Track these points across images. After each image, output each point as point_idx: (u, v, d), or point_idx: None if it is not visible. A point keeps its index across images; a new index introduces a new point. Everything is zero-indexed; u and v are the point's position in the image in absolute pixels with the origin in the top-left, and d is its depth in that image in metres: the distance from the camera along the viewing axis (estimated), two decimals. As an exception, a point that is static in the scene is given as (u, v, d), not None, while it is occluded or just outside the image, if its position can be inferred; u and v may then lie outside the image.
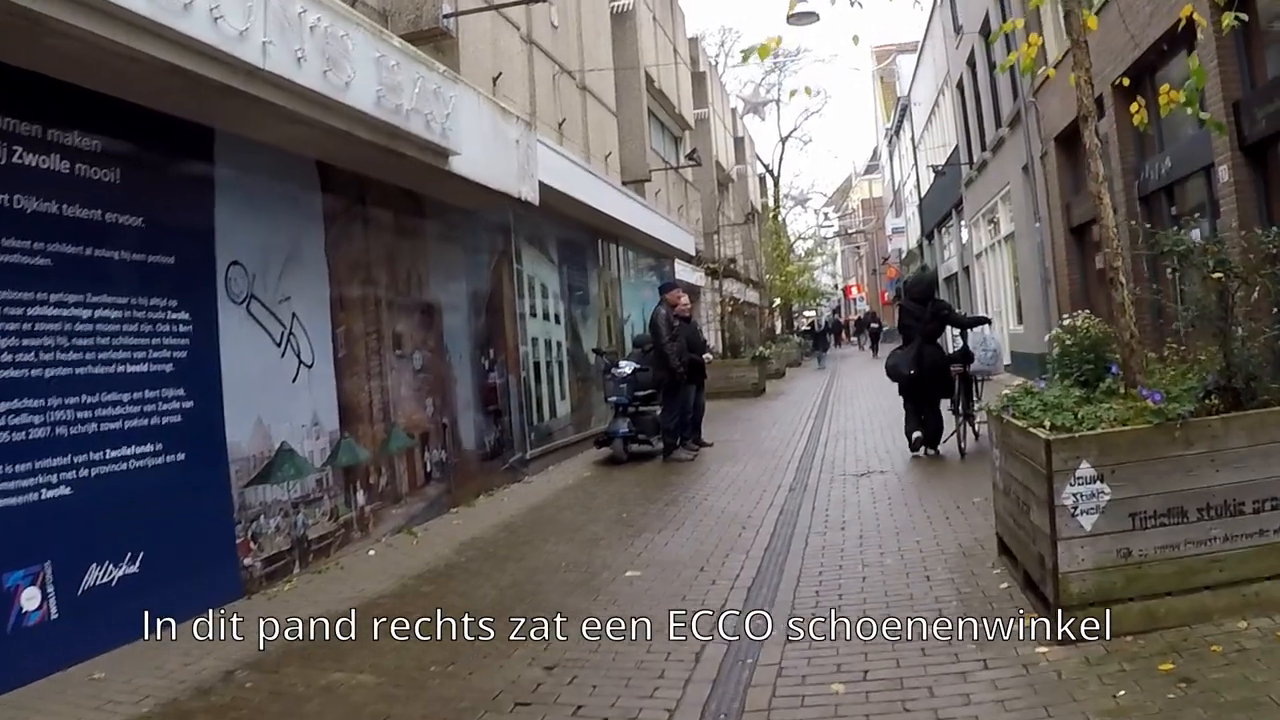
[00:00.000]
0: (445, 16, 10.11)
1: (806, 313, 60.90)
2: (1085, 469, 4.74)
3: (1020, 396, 5.87)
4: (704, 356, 13.88)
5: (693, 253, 24.32)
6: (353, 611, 6.33)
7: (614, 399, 13.37)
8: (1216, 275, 5.16)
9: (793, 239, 56.21)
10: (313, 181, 8.35)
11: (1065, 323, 6.59)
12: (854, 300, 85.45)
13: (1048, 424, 5.11)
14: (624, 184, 19.66)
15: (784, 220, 56.19)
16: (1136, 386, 5.19)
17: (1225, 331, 5.12)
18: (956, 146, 29.45)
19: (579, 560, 7.47)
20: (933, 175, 32.70)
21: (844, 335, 64.27)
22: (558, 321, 14.41)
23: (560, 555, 7.66)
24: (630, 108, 21.19)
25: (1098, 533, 4.73)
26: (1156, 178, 12.77)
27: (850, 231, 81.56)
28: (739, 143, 44.16)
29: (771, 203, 54.49)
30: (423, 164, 8.48)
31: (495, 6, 12.11)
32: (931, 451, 11.44)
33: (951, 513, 8.05)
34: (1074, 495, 4.73)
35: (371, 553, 8.28)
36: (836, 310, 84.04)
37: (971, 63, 25.34)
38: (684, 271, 25.74)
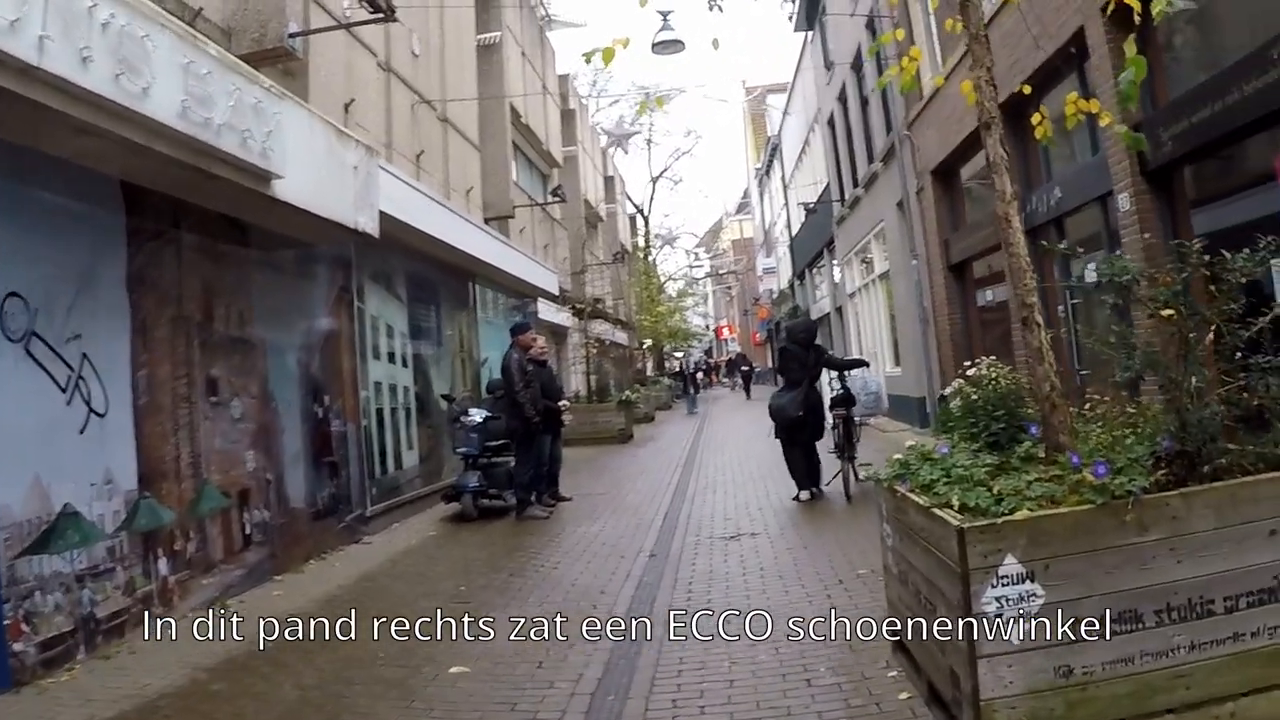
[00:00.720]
0: (291, 36, 9.45)
1: (677, 354, 61.10)
2: (1011, 565, 3.95)
3: (917, 462, 5.09)
4: (560, 404, 13.26)
5: (556, 292, 23.77)
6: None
7: (463, 450, 12.61)
8: (1168, 313, 4.47)
9: (663, 279, 56.40)
10: (115, 203, 7.49)
11: (970, 372, 5.86)
12: (725, 341, 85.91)
13: (956, 503, 4.32)
14: (487, 220, 19.24)
15: (654, 260, 56.35)
16: (1063, 451, 4.50)
17: (1179, 384, 4.40)
18: (828, 184, 29.53)
19: (400, 649, 6.64)
20: (804, 214, 32.80)
21: (714, 377, 64.44)
22: (405, 365, 13.58)
23: (381, 642, 6.79)
24: (495, 142, 20.74)
25: (1030, 647, 3.92)
26: (1045, 209, 12.46)
27: (721, 272, 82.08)
28: (609, 181, 43.88)
29: (642, 242, 54.45)
30: (241, 187, 7.67)
31: (345, 25, 11.43)
32: (816, 490, 11.82)
33: (833, 588, 7.42)
34: (998, 600, 3.94)
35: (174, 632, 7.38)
36: (709, 351, 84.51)
37: (843, 98, 25.41)
38: (548, 311, 25.11)
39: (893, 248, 21.56)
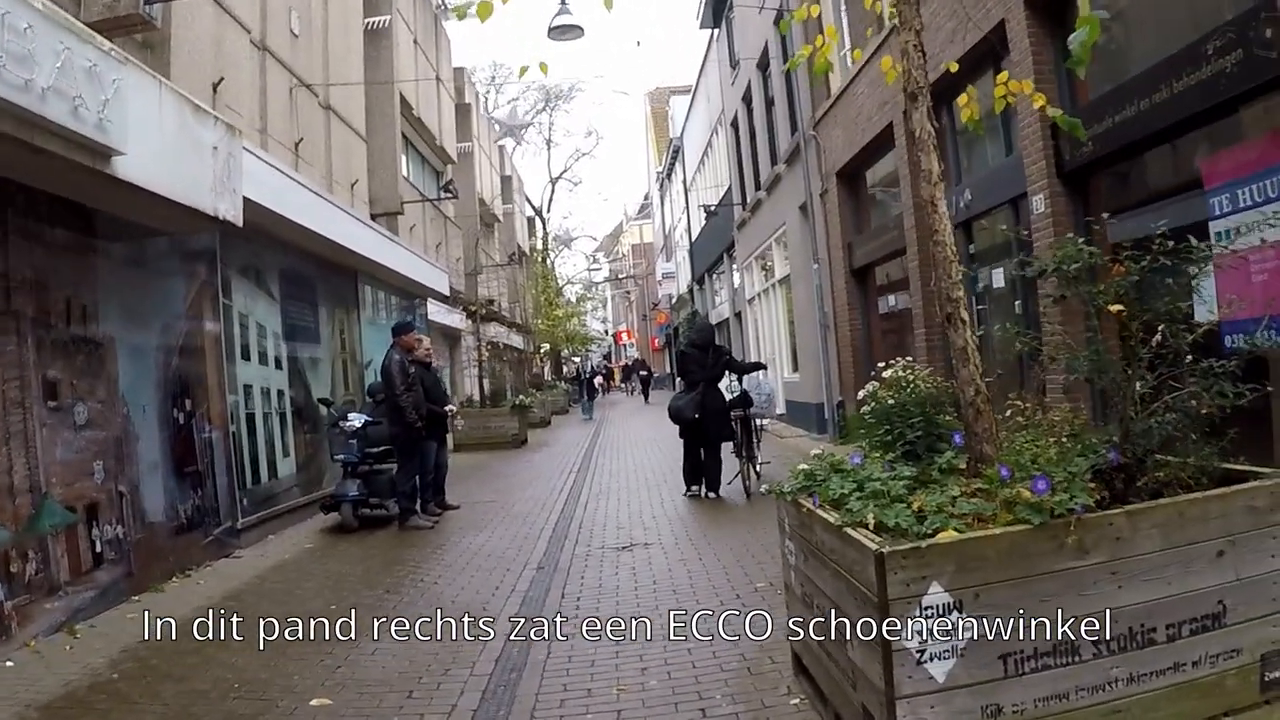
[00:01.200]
0: (148, 2, 8.57)
1: (575, 358, 60.81)
2: (936, 594, 3.42)
3: (824, 473, 4.54)
4: (446, 409, 12.53)
5: (446, 292, 22.94)
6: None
7: (342, 456, 11.80)
8: (1116, 308, 3.97)
9: (562, 283, 55.95)
10: (-75, 183, 6.62)
11: (886, 373, 5.23)
12: (624, 346, 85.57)
13: (872, 521, 3.81)
14: (374, 216, 18.50)
15: (553, 263, 55.88)
16: (987, 462, 4.03)
17: (1124, 389, 3.93)
18: (730, 187, 29.14)
19: (257, 678, 5.90)
20: (704, 218, 32.43)
21: (611, 382, 63.83)
22: (279, 366, 12.66)
23: (237, 670, 6.05)
24: (383, 134, 19.90)
25: (955, 685, 3.43)
26: (953, 212, 11.98)
27: (621, 276, 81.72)
28: (506, 181, 43.09)
29: (540, 245, 53.87)
30: (75, 164, 6.82)
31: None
32: (713, 495, 12.08)
33: (730, 603, 6.86)
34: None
35: (10, 663, 6.47)
36: (607, 356, 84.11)
37: (748, 98, 25.06)
38: (439, 312, 24.26)
39: (794, 252, 21.19)
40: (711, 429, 12.10)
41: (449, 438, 12.96)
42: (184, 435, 9.81)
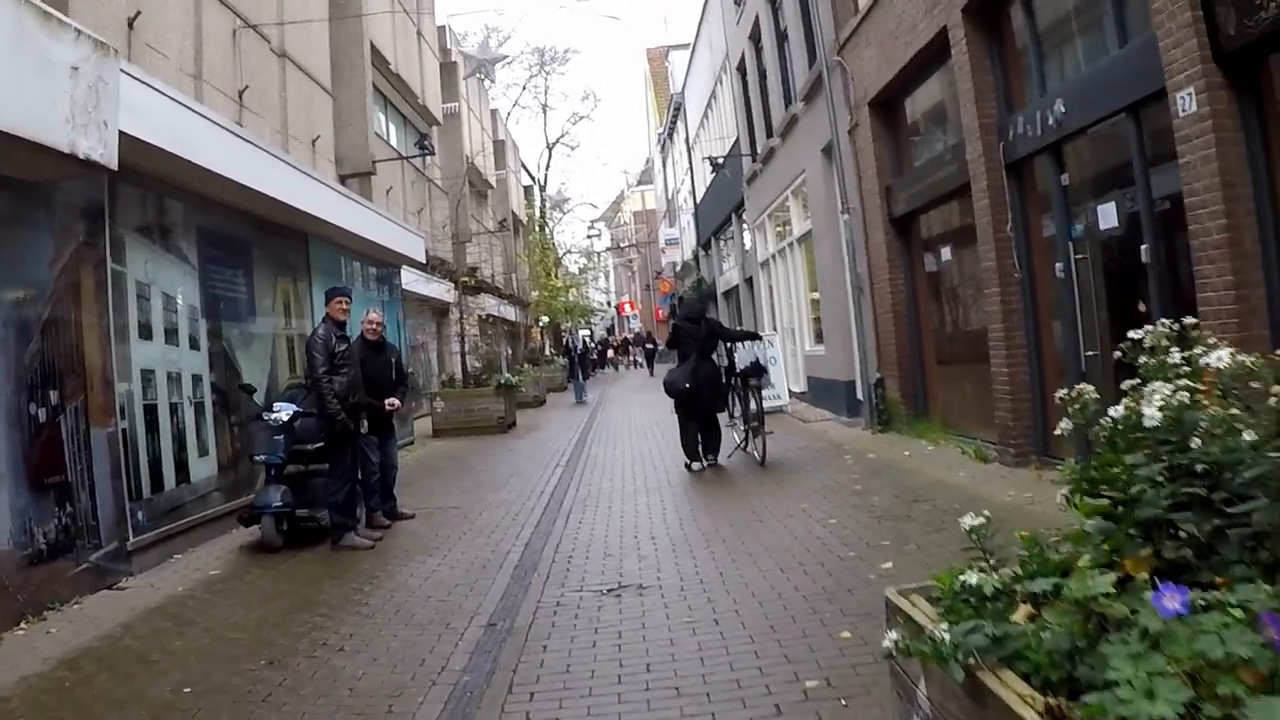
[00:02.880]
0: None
1: (582, 332, 59.71)
2: None
3: (1061, 627, 2.09)
4: (387, 403, 10.28)
5: (422, 259, 20.81)
6: None
7: (263, 457, 9.74)
8: None
9: (561, 252, 54.59)
10: None
11: (1220, 360, 2.40)
12: (627, 318, 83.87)
13: None
14: (344, 178, 16.94)
15: (551, 231, 54.47)
16: None
17: None
18: (737, 138, 26.95)
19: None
20: (709, 175, 30.19)
21: (609, 357, 61.43)
22: (195, 347, 10.51)
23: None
24: (351, 87, 18.24)
25: None
26: (1037, 132, 9.50)
27: (623, 245, 79.90)
28: (499, 146, 41.06)
29: (537, 213, 52.21)
30: None
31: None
32: (711, 459, 12.74)
33: (759, 707, 4.50)
34: None
35: None
36: (610, 329, 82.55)
37: (755, 36, 22.87)
38: (417, 282, 22.09)
39: (816, 202, 18.73)
40: (706, 399, 12.61)
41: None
42: (47, 436, 7.77)
